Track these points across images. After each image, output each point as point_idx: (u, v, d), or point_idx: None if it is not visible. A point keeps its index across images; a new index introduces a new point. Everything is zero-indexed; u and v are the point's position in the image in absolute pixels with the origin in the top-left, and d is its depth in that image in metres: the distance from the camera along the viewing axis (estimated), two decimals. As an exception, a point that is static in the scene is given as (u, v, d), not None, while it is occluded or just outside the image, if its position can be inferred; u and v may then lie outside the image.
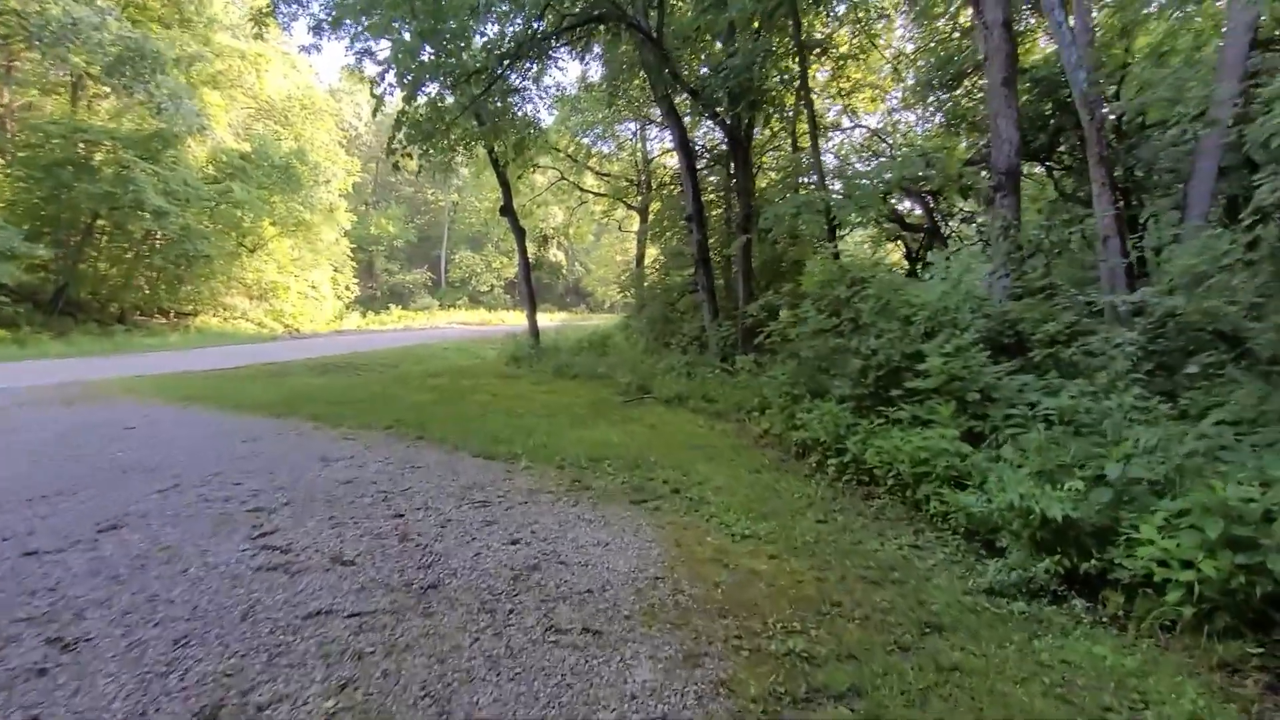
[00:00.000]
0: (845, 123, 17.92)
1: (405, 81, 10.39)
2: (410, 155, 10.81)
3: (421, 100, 11.26)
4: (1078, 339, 4.94)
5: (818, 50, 11.81)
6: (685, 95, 10.54)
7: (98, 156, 20.71)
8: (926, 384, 5.04)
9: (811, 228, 9.75)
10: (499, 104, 12.31)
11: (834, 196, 7.94)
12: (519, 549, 3.66)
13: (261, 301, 31.97)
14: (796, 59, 10.37)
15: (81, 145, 20.28)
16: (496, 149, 13.61)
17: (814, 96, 15.25)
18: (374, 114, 10.10)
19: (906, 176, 8.04)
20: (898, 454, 4.63)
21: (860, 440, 5.15)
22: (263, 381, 11.63)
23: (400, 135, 11.32)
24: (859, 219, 8.66)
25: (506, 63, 9.80)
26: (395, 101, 11.85)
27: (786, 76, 10.86)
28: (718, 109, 10.06)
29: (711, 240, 12.56)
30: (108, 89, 20.90)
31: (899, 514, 4.50)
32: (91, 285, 23.66)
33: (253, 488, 4.55)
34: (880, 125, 18.68)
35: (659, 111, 19.70)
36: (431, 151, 12.17)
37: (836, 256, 7.73)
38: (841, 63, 12.70)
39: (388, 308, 43.70)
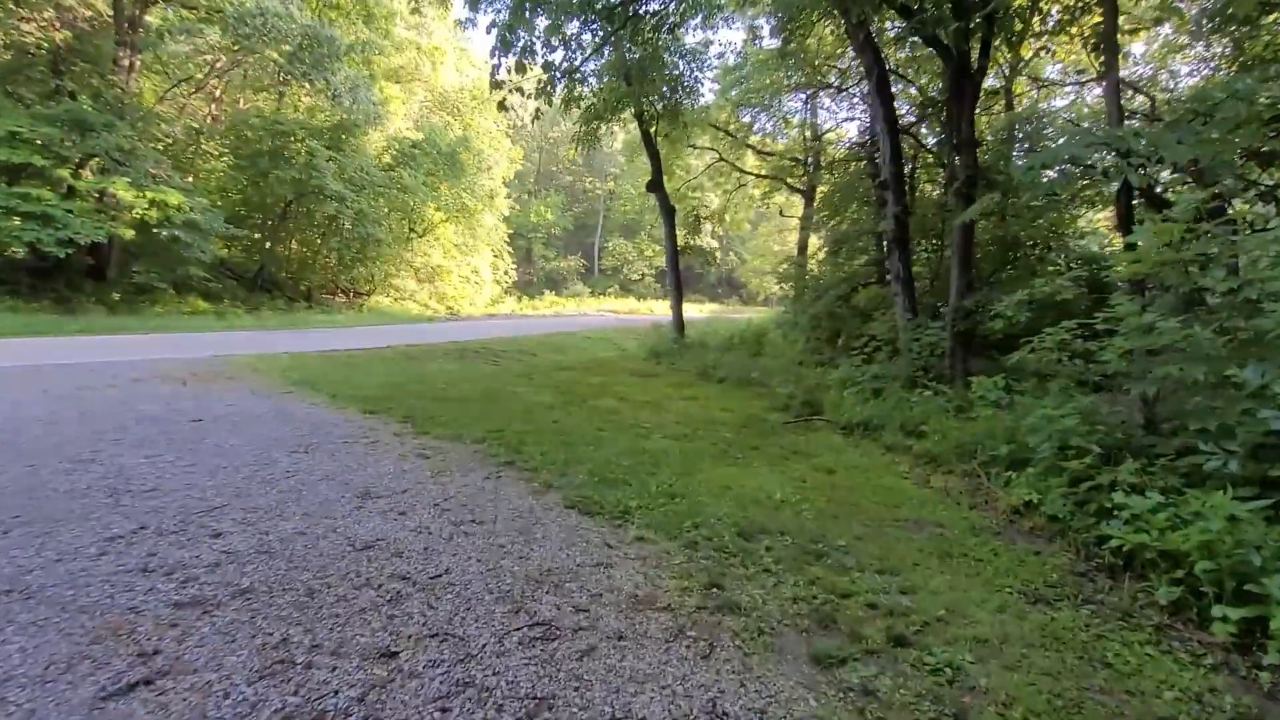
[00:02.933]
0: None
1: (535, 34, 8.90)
2: (513, 88, 9.20)
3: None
4: None
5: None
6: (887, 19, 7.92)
7: (291, 147, 22.29)
8: None
9: (1069, 189, 6.74)
10: (646, 57, 10.49)
11: (1139, 140, 4.94)
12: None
13: (427, 284, 33.63)
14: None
15: (278, 137, 21.88)
16: (646, 113, 11.83)
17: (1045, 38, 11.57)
18: (492, 84, 8.65)
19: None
20: None
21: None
22: (390, 365, 10.97)
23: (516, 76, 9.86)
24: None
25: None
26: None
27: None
28: (938, 30, 7.34)
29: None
30: (305, 86, 22.42)
31: None
32: (285, 265, 25.94)
33: (219, 551, 3.04)
34: (1134, 76, 14.28)
35: (849, 63, 16.86)
36: (574, 103, 10.61)
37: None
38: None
39: (542, 293, 44.57)
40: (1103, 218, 11.57)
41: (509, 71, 9.05)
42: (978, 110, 8.26)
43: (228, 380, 8.09)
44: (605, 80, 11.72)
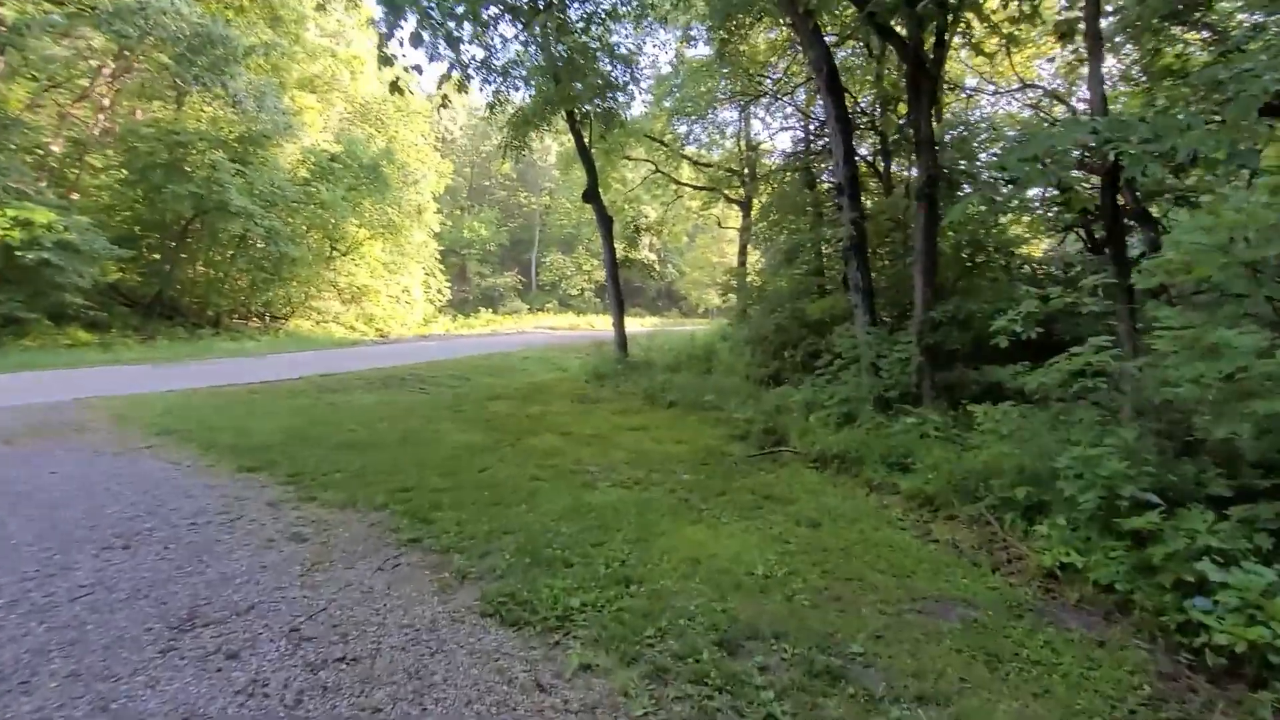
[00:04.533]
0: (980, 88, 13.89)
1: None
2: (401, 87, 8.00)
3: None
4: None
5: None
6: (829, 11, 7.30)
7: (191, 159, 20.19)
8: None
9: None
10: (575, 51, 9.58)
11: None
12: None
13: (353, 304, 31.52)
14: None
15: (175, 149, 19.77)
16: (579, 116, 10.92)
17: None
18: (380, 60, 7.41)
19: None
20: None
21: None
22: (297, 401, 9.54)
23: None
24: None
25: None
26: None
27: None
28: (893, 22, 6.75)
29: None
30: (203, 93, 20.38)
31: None
32: (189, 289, 23.53)
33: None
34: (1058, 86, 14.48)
35: (782, 71, 16.46)
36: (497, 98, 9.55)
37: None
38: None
39: (478, 311, 42.82)
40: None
41: (401, 45, 7.82)
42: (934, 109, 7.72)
43: (75, 434, 6.56)
44: (533, 81, 10.73)
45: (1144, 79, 8.37)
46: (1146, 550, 2.82)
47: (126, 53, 18.40)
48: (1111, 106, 7.16)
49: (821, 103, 15.99)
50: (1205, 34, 9.61)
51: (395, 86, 7.67)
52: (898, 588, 3.27)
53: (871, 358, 6.94)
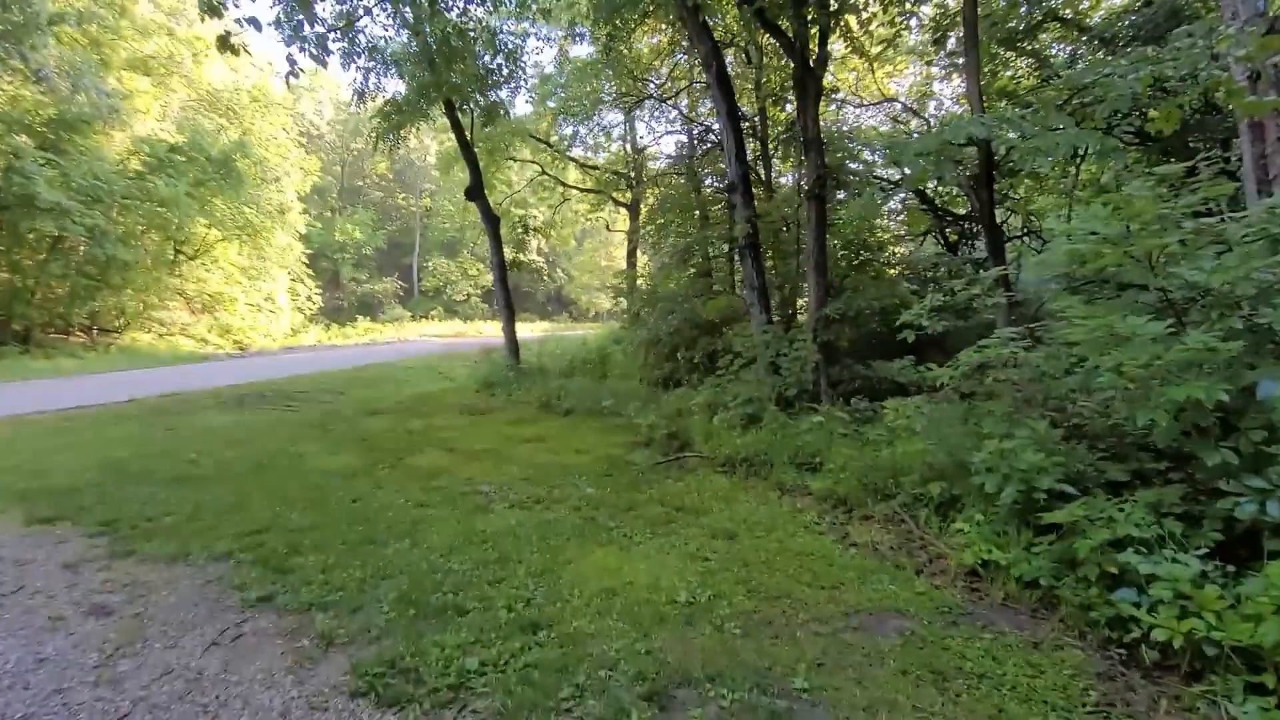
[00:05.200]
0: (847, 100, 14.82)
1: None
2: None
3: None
4: None
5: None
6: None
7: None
8: None
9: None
10: (452, 39, 8.85)
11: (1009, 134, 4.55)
12: None
13: (205, 315, 28.07)
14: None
15: (-42, 131, 16.47)
16: (457, 106, 10.16)
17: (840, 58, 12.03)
18: (202, 8, 6.31)
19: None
20: None
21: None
22: (124, 428, 8.06)
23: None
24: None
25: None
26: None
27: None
28: (778, 19, 6.73)
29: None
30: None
31: None
32: (-16, 299, 19.76)
33: None
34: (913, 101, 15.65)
35: (666, 76, 16.44)
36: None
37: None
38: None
39: (354, 320, 39.77)
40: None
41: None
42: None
43: None
44: (405, 66, 9.84)
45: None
46: (1068, 542, 2.78)
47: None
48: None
49: (709, 103, 16.22)
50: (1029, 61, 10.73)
51: (225, 43, 6.57)
52: (828, 602, 3.05)
53: (771, 356, 6.88)
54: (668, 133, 23.97)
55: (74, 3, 17.54)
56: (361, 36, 9.92)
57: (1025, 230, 13.52)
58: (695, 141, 15.62)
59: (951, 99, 15.67)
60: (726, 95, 7.61)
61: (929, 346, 8.49)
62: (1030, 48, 10.35)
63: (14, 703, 2.24)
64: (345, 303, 44.13)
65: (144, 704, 2.25)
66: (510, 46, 10.29)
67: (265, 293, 31.00)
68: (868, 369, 6.96)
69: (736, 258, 9.99)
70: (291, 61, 7.85)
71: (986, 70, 12.03)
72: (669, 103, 17.98)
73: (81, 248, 19.37)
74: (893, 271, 8.11)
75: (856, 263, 7.90)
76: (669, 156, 20.27)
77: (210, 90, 29.84)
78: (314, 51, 7.74)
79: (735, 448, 5.63)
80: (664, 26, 13.87)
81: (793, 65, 7.21)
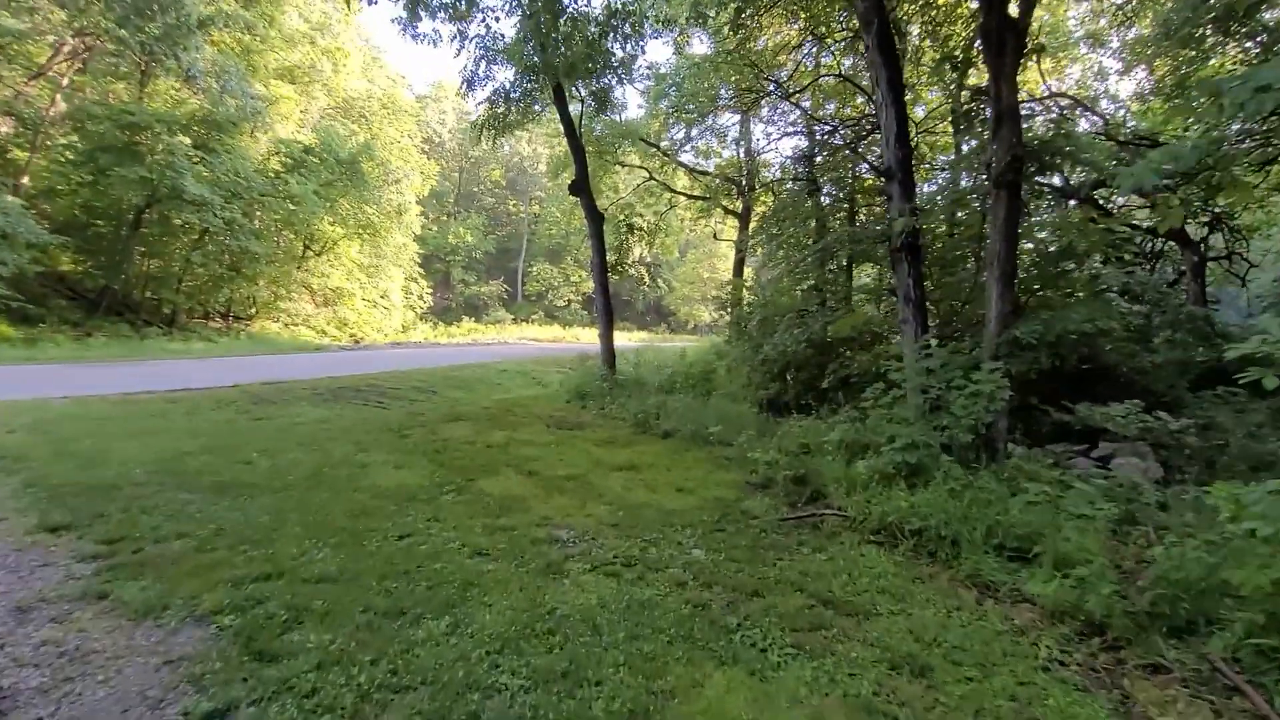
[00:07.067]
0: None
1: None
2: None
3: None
4: None
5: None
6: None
7: (146, 143, 18.32)
8: None
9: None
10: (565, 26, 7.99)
11: None
12: None
13: (326, 308, 29.62)
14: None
15: (127, 130, 17.92)
16: (568, 91, 9.31)
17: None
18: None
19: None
20: None
21: None
22: (211, 416, 7.81)
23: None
24: None
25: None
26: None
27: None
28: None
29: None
30: (155, 67, 18.58)
31: None
32: (141, 282, 21.53)
33: None
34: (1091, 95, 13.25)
35: (792, 70, 14.85)
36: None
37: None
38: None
39: (460, 320, 40.95)
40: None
41: None
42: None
43: None
44: (515, 53, 9.13)
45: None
46: None
47: (87, 31, 16.66)
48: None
49: (832, 105, 14.56)
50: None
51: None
52: None
53: (938, 388, 5.30)
54: (786, 134, 22.21)
55: (223, 6, 18.62)
56: (473, 26, 9.38)
57: (1229, 250, 10.86)
58: (816, 146, 14.09)
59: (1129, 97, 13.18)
60: (889, 61, 6.14)
61: (1101, 381, 6.53)
62: (1245, 29, 8.06)
63: None
64: (453, 303, 45.66)
65: None
66: (630, 23, 9.28)
67: (381, 289, 32.36)
68: (1068, 413, 5.22)
69: (878, 266, 8.37)
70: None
71: (1181, 58, 9.72)
72: (790, 100, 16.45)
73: (223, 239, 20.62)
74: (1106, 291, 6.21)
75: (1058, 274, 6.03)
76: (787, 157, 18.71)
77: (345, 98, 31.67)
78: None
79: (896, 511, 4.15)
80: (793, 13, 12.50)
81: (981, 15, 5.63)
